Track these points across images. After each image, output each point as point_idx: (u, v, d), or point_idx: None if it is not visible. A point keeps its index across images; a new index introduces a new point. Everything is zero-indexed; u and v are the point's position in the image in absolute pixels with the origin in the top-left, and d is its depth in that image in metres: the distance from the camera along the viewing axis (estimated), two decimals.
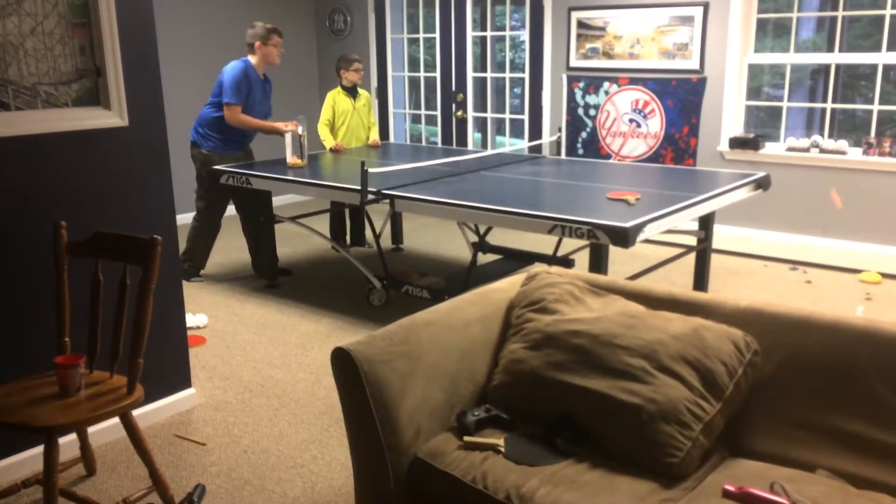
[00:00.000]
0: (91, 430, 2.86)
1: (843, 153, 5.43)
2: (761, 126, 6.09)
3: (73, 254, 2.50)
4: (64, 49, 2.73)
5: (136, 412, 2.71)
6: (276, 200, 5.53)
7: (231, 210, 5.17)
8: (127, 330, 2.43)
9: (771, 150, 5.71)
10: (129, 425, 2.39)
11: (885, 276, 5.01)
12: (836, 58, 5.46)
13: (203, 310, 4.57)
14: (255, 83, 4.92)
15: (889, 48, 5.23)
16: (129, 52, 2.90)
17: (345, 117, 5.68)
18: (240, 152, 5.08)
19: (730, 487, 1.77)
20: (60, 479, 2.58)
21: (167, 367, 3.24)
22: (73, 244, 2.50)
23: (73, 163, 2.82)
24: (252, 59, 4.93)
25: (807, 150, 5.56)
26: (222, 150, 4.96)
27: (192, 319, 4.25)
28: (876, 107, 5.35)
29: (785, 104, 5.76)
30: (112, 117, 2.89)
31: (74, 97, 2.79)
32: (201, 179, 4.97)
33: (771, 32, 5.87)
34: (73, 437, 2.84)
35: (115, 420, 2.66)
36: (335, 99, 5.66)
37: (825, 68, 5.62)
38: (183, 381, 3.34)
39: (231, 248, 5.92)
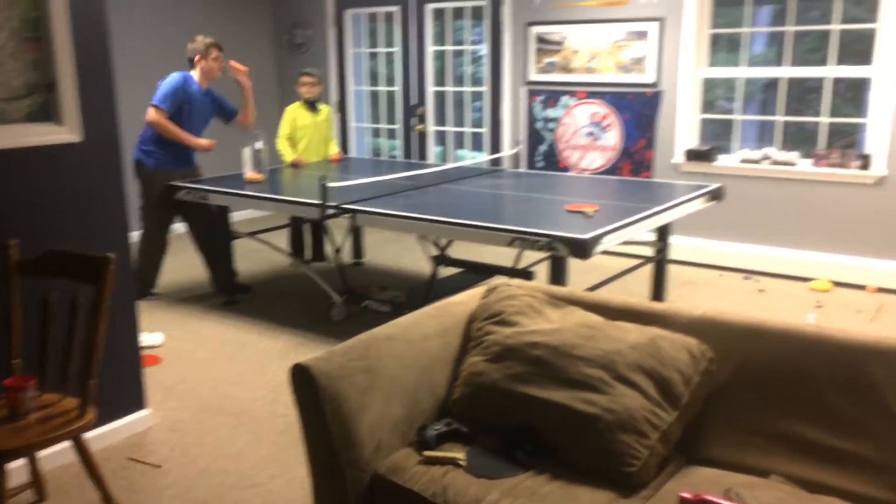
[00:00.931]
0: (42, 454, 2.79)
1: (793, 164, 5.56)
2: (715, 138, 6.20)
3: (24, 273, 2.45)
4: (16, 64, 2.68)
5: (88, 435, 2.64)
6: (234, 216, 5.47)
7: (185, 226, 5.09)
8: (79, 350, 2.38)
9: (725, 162, 5.83)
10: (81, 448, 2.33)
11: (834, 284, 5.13)
12: (786, 71, 5.60)
13: (158, 328, 4.49)
14: (195, 96, 4.85)
15: (837, 62, 5.38)
16: (82, 67, 2.85)
17: (305, 131, 5.65)
18: (186, 170, 4.97)
19: (686, 495, 1.79)
20: None
21: (121, 387, 3.18)
22: (23, 263, 2.45)
23: (24, 179, 2.76)
24: (193, 73, 4.89)
25: (759, 161, 5.68)
26: (167, 166, 4.85)
27: (146, 338, 4.17)
28: (825, 119, 5.49)
29: (738, 117, 5.89)
30: (65, 133, 2.84)
31: (26, 112, 2.73)
32: (146, 198, 4.89)
33: (724, 47, 6.00)
34: (23, 461, 2.76)
35: (67, 443, 2.59)
36: (295, 113, 5.63)
37: (776, 82, 5.76)
38: (137, 402, 3.27)
39: (187, 265, 5.83)
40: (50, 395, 2.42)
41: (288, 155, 5.59)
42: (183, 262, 5.89)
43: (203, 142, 4.86)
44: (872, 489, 1.82)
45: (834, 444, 1.89)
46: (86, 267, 2.33)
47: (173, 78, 4.79)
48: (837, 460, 1.88)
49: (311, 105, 5.66)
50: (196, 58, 4.87)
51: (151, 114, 4.72)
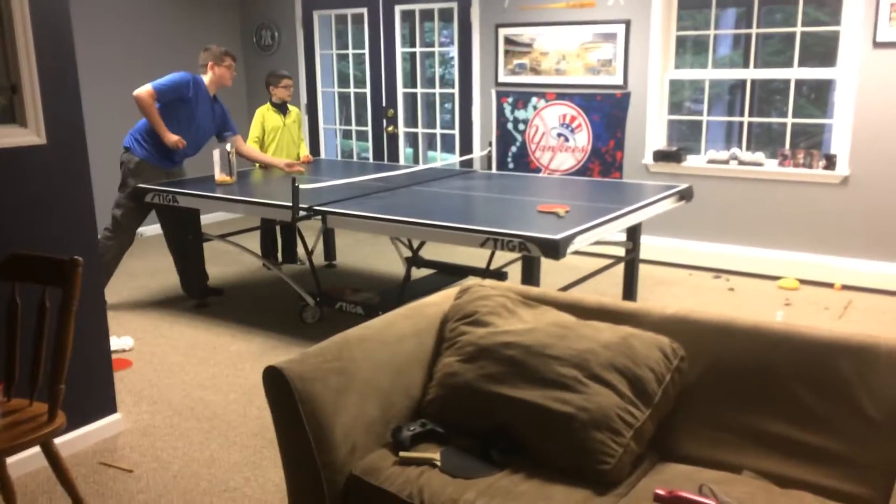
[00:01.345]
0: (10, 460, 2.73)
1: (760, 165, 5.65)
2: (683, 139, 6.29)
3: None
4: None
5: (58, 440, 2.60)
6: (205, 218, 5.42)
7: (158, 228, 5.03)
8: (47, 355, 2.34)
9: (693, 162, 5.90)
10: (51, 454, 2.30)
11: (802, 282, 5.22)
12: (751, 73, 5.69)
13: (128, 332, 4.44)
14: (201, 98, 4.88)
15: (800, 64, 5.48)
16: (46, 68, 2.81)
17: (275, 134, 5.61)
18: (174, 167, 4.97)
19: (661, 491, 1.81)
20: None
21: (91, 392, 3.13)
22: None
23: None
24: (204, 78, 4.94)
25: (726, 162, 5.76)
26: (156, 161, 4.83)
27: (116, 342, 4.12)
28: (790, 120, 5.59)
29: (705, 118, 5.97)
30: (29, 135, 2.79)
31: None
32: (124, 187, 4.81)
33: (690, 49, 6.08)
34: None
35: (36, 449, 2.55)
36: (264, 115, 5.59)
37: (742, 83, 5.85)
38: (108, 407, 3.22)
39: (157, 267, 5.77)
40: (18, 401, 2.38)
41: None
42: (152, 265, 5.82)
43: (172, 137, 4.80)
44: (842, 483, 1.86)
45: (804, 440, 1.92)
46: (53, 270, 2.30)
47: (181, 74, 4.83)
48: (807, 455, 1.91)
49: (281, 107, 5.63)
50: (209, 64, 4.93)
51: (142, 90, 4.69)
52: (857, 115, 5.21)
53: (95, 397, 3.16)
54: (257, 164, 5.56)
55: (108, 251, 4.77)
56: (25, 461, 2.88)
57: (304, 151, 5.86)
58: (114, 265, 4.88)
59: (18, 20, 2.69)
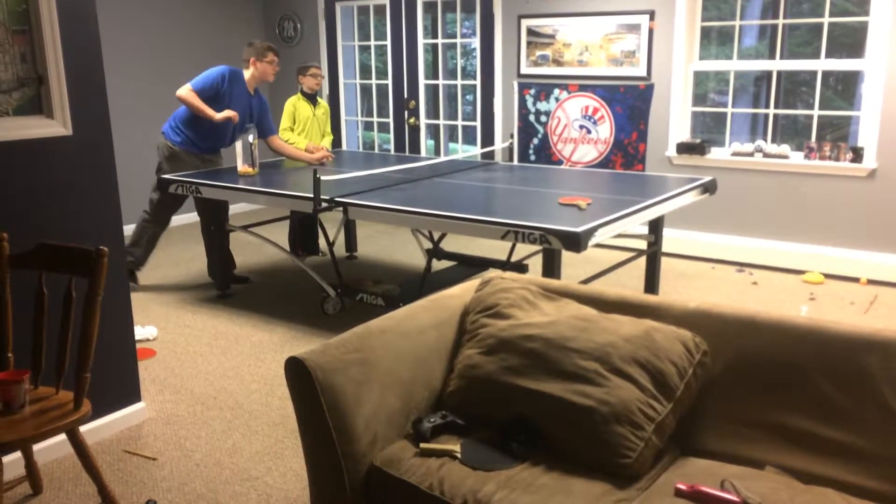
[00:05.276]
0: (37, 447, 2.78)
1: (785, 157, 5.58)
2: (707, 131, 6.23)
3: (16, 266, 2.44)
4: (4, 57, 2.66)
5: (83, 428, 2.64)
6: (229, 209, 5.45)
7: (184, 219, 5.08)
8: (73, 344, 2.37)
9: (717, 154, 5.85)
10: (77, 441, 2.33)
11: (827, 276, 5.16)
12: (777, 65, 5.62)
13: (152, 321, 4.48)
14: (237, 92, 4.93)
15: (828, 55, 5.40)
16: (72, 59, 2.84)
17: (305, 124, 5.62)
18: (207, 154, 5.04)
19: (682, 486, 1.80)
20: (5, 499, 2.50)
21: (115, 380, 3.17)
22: (15, 256, 2.44)
23: (14, 173, 2.74)
24: (246, 73, 5.01)
25: (751, 154, 5.70)
26: (190, 148, 4.93)
27: (141, 331, 4.17)
28: (816, 112, 5.52)
29: (729, 110, 5.91)
30: (55, 126, 2.82)
31: (16, 106, 2.72)
32: (160, 171, 4.92)
33: (715, 40, 6.02)
34: (17, 455, 2.75)
35: (62, 436, 2.59)
36: (296, 105, 5.58)
37: (768, 75, 5.78)
38: (132, 395, 3.26)
39: (181, 258, 5.82)
40: (45, 389, 2.41)
41: (300, 143, 5.51)
42: (176, 255, 5.87)
43: (220, 114, 4.84)
44: (866, 479, 1.84)
45: (827, 435, 1.90)
46: (79, 260, 2.33)
47: (218, 68, 4.89)
48: (831, 451, 1.89)
49: (312, 98, 5.63)
50: (251, 59, 5.01)
51: (183, 89, 4.81)
52: (886, 107, 5.12)
53: (120, 386, 3.20)
54: (304, 148, 5.54)
55: (145, 233, 4.99)
56: (52, 448, 2.92)
57: (327, 144, 5.86)
58: (152, 243, 5.06)
59: (45, 12, 2.72)
